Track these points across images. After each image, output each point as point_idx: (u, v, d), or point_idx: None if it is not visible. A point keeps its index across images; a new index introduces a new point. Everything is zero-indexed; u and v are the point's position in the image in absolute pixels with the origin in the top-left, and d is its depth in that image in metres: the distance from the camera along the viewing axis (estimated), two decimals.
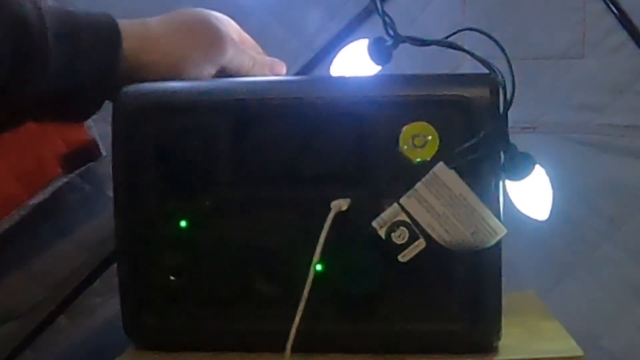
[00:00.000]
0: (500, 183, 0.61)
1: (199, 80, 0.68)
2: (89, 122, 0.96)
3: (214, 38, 0.69)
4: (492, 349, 0.63)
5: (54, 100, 0.63)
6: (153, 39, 0.67)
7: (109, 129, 0.65)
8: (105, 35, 0.64)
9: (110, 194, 0.66)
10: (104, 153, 0.96)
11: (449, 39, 0.70)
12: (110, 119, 0.65)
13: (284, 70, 0.76)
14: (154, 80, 0.66)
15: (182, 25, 0.69)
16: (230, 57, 0.70)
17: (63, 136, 0.95)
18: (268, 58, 0.75)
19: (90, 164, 0.97)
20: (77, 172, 0.97)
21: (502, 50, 0.65)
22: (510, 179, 0.67)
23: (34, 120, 0.67)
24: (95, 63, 0.63)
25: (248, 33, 0.76)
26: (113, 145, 0.65)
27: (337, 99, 0.63)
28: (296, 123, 0.63)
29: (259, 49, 0.76)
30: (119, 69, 0.64)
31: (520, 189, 0.70)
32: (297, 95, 0.63)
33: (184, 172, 0.64)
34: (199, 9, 0.71)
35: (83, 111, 0.67)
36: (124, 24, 0.65)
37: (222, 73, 0.71)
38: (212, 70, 0.69)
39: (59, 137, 0.95)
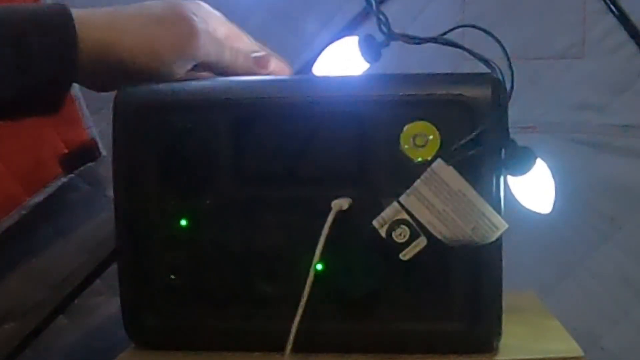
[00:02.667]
0: (501, 179, 0.61)
1: (172, 77, 0.66)
2: (89, 122, 0.96)
3: (185, 30, 0.65)
4: (492, 349, 0.63)
5: (10, 104, 0.61)
6: (118, 30, 0.64)
7: (109, 129, 0.65)
8: (56, 37, 0.60)
9: (110, 194, 0.66)
10: (103, 153, 0.96)
11: (445, 37, 0.70)
12: (110, 119, 0.65)
13: (283, 68, 0.73)
14: (121, 74, 0.64)
15: (151, 17, 0.66)
16: (206, 51, 0.67)
17: (63, 136, 0.95)
18: (265, 54, 0.72)
19: (90, 164, 0.97)
20: (77, 172, 0.97)
21: (498, 42, 0.65)
22: (511, 175, 0.67)
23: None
24: (46, 69, 0.60)
25: (248, 32, 0.75)
26: (113, 145, 0.65)
27: (337, 98, 0.62)
28: (297, 122, 0.63)
29: (254, 46, 0.72)
30: (75, 70, 0.61)
31: (523, 184, 0.70)
32: (298, 94, 0.63)
33: (184, 172, 0.64)
34: (174, 1, 0.67)
35: (45, 110, 0.64)
36: (84, 17, 0.62)
37: (202, 69, 0.68)
38: (185, 65, 0.66)
39: (58, 137, 0.95)
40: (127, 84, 0.65)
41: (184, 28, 0.66)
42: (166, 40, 0.65)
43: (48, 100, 0.63)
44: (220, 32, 0.69)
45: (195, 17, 0.66)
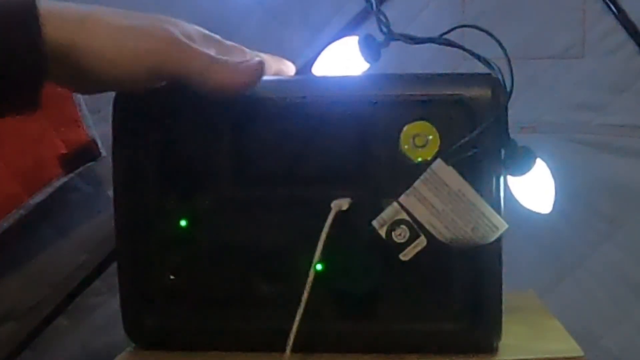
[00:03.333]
0: (501, 179, 0.61)
1: (137, 90, 0.61)
2: (89, 122, 0.96)
3: (159, 44, 0.59)
4: (492, 349, 0.63)
5: None
6: (87, 32, 0.58)
7: (109, 129, 0.65)
8: (19, 34, 0.55)
9: (110, 194, 0.66)
10: (103, 153, 0.96)
11: (445, 37, 0.70)
12: (110, 119, 0.65)
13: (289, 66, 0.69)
14: (88, 79, 0.59)
15: (127, 24, 0.59)
16: (185, 67, 0.59)
17: (63, 136, 0.95)
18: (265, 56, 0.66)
19: (90, 164, 0.97)
20: (77, 172, 0.97)
21: (498, 42, 0.65)
22: (511, 175, 0.67)
23: None
24: (10, 67, 0.55)
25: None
26: (113, 144, 0.65)
27: (337, 98, 0.62)
28: (296, 122, 0.63)
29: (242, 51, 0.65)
30: (42, 69, 0.56)
31: (522, 184, 0.70)
32: (298, 94, 0.63)
33: (184, 172, 0.64)
34: (159, 16, 0.62)
35: (21, 108, 0.58)
36: (53, 14, 0.56)
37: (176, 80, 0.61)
38: (153, 80, 0.60)
39: (58, 137, 0.95)
40: (96, 90, 0.61)
41: (158, 41, 0.59)
42: (136, 50, 0.59)
43: (19, 99, 0.57)
44: (208, 46, 0.62)
45: (174, 31, 0.60)
